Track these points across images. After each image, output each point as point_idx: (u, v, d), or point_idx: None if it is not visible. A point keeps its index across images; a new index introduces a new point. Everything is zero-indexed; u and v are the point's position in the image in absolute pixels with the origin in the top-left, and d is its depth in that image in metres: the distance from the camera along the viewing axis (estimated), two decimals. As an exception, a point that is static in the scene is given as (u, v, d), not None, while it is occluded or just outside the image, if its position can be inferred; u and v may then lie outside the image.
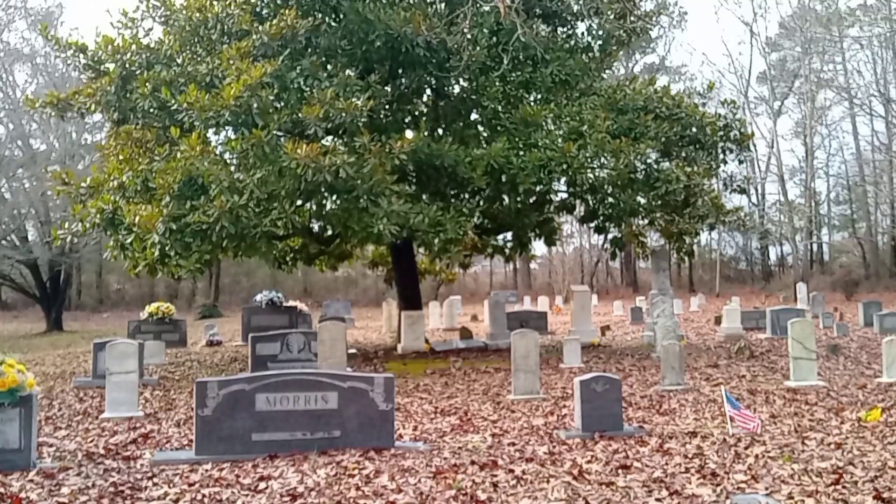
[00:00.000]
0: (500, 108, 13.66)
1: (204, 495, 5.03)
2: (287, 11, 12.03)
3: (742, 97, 40.86)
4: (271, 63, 11.19)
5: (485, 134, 13.80)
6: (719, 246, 47.70)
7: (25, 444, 5.75)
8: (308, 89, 11.77)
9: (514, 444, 6.43)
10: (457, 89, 14.38)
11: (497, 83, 13.62)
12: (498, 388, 9.81)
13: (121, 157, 12.80)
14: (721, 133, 14.59)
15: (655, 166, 14.00)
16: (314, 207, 12.70)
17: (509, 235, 17.00)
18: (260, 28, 11.98)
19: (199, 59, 12.62)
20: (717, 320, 20.22)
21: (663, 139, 13.59)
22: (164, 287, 41.97)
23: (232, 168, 11.47)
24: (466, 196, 13.91)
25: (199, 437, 6.05)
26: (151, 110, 12.06)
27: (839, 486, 4.87)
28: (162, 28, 13.76)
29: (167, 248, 10.71)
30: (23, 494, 5.09)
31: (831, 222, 48.30)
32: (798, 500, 4.62)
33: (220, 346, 17.91)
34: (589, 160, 12.62)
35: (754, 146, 39.03)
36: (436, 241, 11.72)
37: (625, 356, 13.21)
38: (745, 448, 6.03)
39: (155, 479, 5.50)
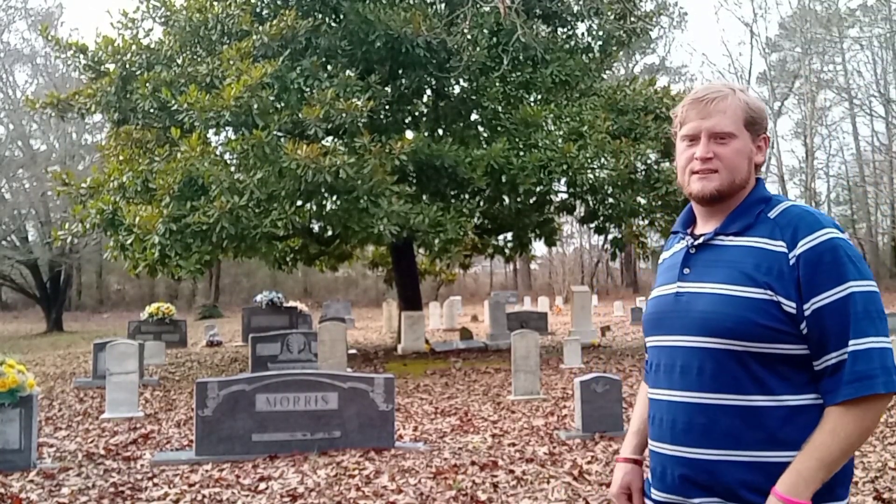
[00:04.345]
0: (500, 108, 13.66)
1: (204, 496, 5.03)
2: (287, 12, 12.04)
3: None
4: (271, 63, 11.19)
5: (485, 134, 13.80)
6: (719, 246, 47.62)
7: (25, 445, 5.75)
8: (308, 90, 11.77)
9: (514, 444, 6.43)
10: (457, 90, 14.38)
11: (497, 84, 13.62)
12: (498, 388, 9.81)
13: (121, 158, 12.80)
14: (721, 133, 14.58)
15: (656, 167, 14.00)
16: (314, 208, 12.71)
17: (509, 236, 17.00)
18: (260, 28, 11.99)
19: (199, 59, 12.62)
20: (718, 321, 20.19)
21: (663, 139, 13.59)
22: (165, 287, 41.98)
23: (232, 169, 11.48)
24: (466, 196, 13.91)
25: (199, 437, 6.05)
26: (152, 111, 12.06)
27: (839, 487, 4.86)
28: (162, 28, 13.76)
29: (167, 249, 10.71)
30: (23, 495, 5.09)
31: (831, 223, 48.26)
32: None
33: (220, 346, 17.92)
34: (589, 161, 12.62)
35: (754, 146, 38.93)
36: (436, 241, 11.72)
37: (625, 356, 13.21)
38: (746, 448, 6.02)
39: (155, 480, 5.50)
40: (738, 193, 1.65)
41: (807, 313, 1.52)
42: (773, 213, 1.61)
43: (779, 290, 1.52)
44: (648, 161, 13.88)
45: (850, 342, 1.49)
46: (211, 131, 12.09)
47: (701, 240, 1.66)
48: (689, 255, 1.68)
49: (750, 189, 1.67)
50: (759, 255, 1.57)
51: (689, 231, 1.74)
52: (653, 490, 1.70)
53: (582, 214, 16.33)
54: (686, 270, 1.66)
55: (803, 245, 1.53)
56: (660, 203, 13.71)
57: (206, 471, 5.69)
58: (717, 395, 1.56)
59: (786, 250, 1.55)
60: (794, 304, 1.52)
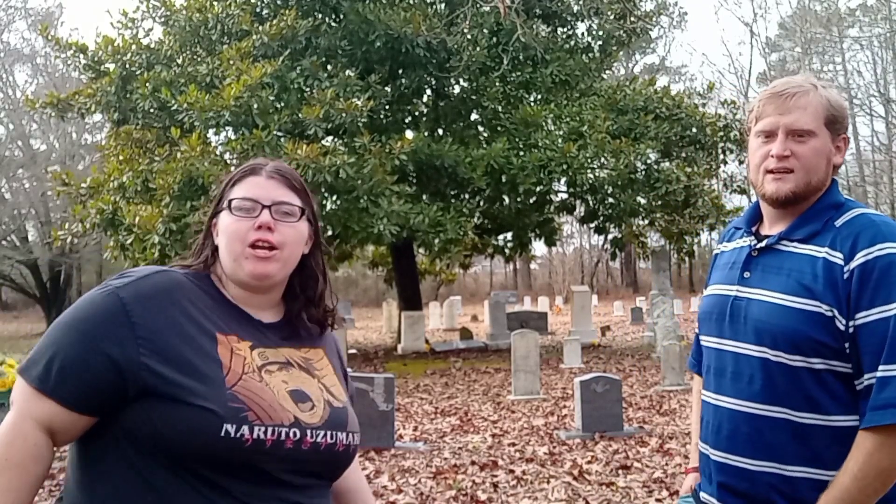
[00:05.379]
0: (500, 108, 13.68)
1: (204, 495, 5.02)
2: (287, 12, 12.05)
3: (742, 97, 40.82)
4: (271, 63, 11.20)
5: (485, 134, 13.82)
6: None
7: (25, 445, 5.74)
8: (308, 89, 11.78)
9: (514, 444, 6.43)
10: (457, 89, 14.40)
11: (497, 83, 13.63)
12: (498, 388, 9.81)
13: (121, 158, 12.80)
14: (721, 133, 14.61)
15: (655, 166, 14.02)
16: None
17: (509, 235, 17.01)
18: (260, 28, 12.00)
19: (199, 59, 12.64)
20: (718, 320, 20.15)
21: (663, 139, 13.61)
22: (165, 287, 41.93)
23: (232, 168, 11.47)
24: (466, 196, 13.92)
25: (199, 437, 6.04)
26: (152, 111, 12.07)
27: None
28: (162, 28, 13.78)
29: (167, 249, 10.71)
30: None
31: (831, 223, 48.31)
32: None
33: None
34: (589, 160, 12.64)
35: (754, 146, 38.97)
36: (436, 241, 11.73)
37: (625, 356, 13.21)
38: (746, 448, 6.01)
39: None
40: (812, 196, 1.55)
41: (850, 331, 1.43)
42: (839, 222, 1.51)
43: (834, 305, 1.44)
44: (648, 161, 13.90)
45: (881, 367, 1.40)
46: (211, 131, 12.10)
47: (764, 243, 1.58)
48: (751, 257, 1.60)
49: (824, 192, 1.57)
50: (820, 265, 1.48)
51: (753, 229, 1.65)
52: (701, 492, 1.66)
53: (582, 214, 16.35)
54: (746, 274, 1.59)
55: (859, 258, 1.44)
56: (660, 203, 13.73)
57: (206, 471, 5.68)
58: (766, 407, 1.50)
59: (842, 262, 1.45)
60: (844, 321, 1.44)
